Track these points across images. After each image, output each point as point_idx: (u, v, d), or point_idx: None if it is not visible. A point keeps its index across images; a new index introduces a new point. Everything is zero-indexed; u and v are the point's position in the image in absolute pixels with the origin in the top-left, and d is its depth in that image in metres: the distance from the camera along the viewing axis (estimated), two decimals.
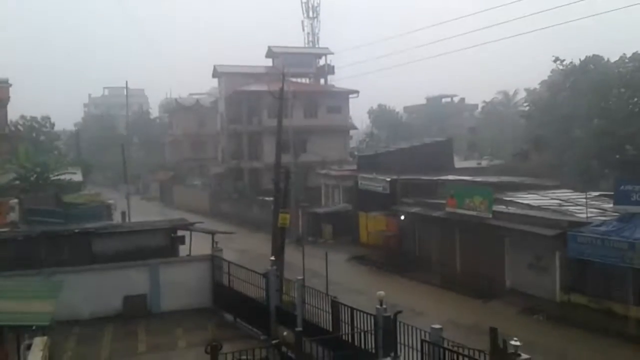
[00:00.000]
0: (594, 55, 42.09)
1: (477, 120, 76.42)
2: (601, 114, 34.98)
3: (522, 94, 66.78)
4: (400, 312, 12.62)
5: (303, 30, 63.64)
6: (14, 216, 34.57)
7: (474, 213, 25.63)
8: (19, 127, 57.12)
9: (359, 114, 73.27)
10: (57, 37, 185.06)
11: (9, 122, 51.06)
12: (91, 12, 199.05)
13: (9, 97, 47.99)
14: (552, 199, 27.90)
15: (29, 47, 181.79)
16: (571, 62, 42.74)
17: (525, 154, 43.20)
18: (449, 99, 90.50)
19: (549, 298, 22.30)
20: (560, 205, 26.16)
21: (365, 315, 13.42)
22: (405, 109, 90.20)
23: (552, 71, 46.07)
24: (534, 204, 26.25)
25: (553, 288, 22.30)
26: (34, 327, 13.63)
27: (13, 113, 54.15)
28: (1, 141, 46.68)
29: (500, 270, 24.70)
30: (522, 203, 26.77)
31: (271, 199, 28.32)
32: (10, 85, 48.35)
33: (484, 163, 45.84)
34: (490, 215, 24.87)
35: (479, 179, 33.77)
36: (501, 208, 25.65)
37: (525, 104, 58.48)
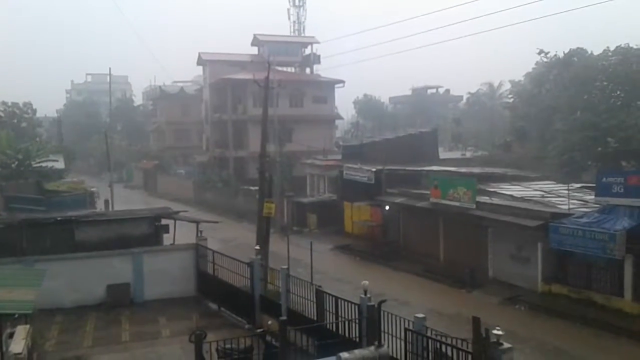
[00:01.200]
0: (577, 48, 42.43)
1: (462, 111, 76.82)
2: (584, 107, 35.31)
3: (507, 86, 67.25)
4: (384, 301, 12.69)
5: (289, 18, 63.45)
6: None
7: (458, 204, 25.83)
8: (0, 113, 56.19)
9: (344, 104, 73.32)
10: (40, 23, 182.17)
11: None
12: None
13: None
14: (535, 190, 28.20)
15: (9, 33, 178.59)
16: (555, 55, 43.06)
17: (508, 145, 43.59)
18: (434, 90, 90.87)
19: (531, 288, 22.59)
20: (542, 196, 26.44)
21: (349, 304, 13.49)
22: (391, 99, 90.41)
23: (537, 63, 46.34)
24: (517, 195, 26.50)
25: (535, 278, 22.58)
26: (16, 315, 13.54)
27: None
28: None
29: (483, 260, 24.95)
30: (505, 194, 27.01)
31: (256, 188, 28.27)
32: None
33: (468, 154, 46.20)
34: (474, 206, 25.08)
35: (463, 169, 34.01)
36: (485, 199, 25.88)
37: (509, 96, 58.88)
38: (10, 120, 55.16)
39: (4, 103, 59.88)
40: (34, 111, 62.96)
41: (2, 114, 55.39)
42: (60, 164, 44.25)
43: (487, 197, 26.29)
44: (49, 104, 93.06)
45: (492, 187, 28.58)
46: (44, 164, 40.50)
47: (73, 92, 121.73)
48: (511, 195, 26.59)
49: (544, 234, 21.48)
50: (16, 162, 39.16)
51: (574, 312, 20.16)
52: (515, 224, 22.66)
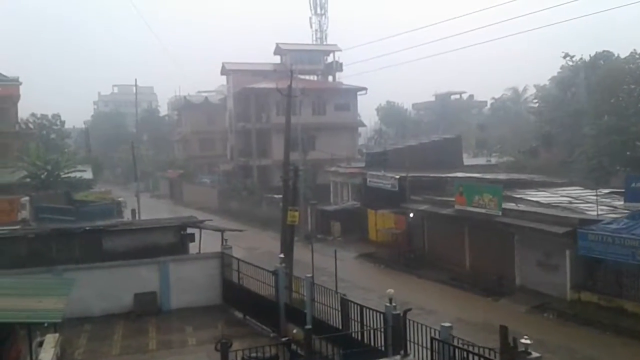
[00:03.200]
0: (604, 51, 41.84)
1: (486, 117, 76.13)
2: (611, 111, 34.74)
3: (532, 91, 66.48)
4: (409, 309, 12.61)
5: (311, 27, 63.80)
6: (25, 214, 34.96)
7: (484, 210, 25.55)
8: (30, 125, 57.50)
9: (367, 111, 73.28)
10: (67, 35, 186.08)
11: (19, 120, 51.51)
12: (101, 11, 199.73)
13: (19, 95, 48.46)
14: (562, 196, 27.76)
15: (39, 46, 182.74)
16: (581, 58, 42.50)
17: (535, 150, 43.04)
18: (457, 96, 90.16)
19: (559, 296, 22.19)
20: (570, 202, 26.02)
21: (374, 313, 13.42)
22: (414, 105, 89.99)
23: (562, 67, 45.75)
24: (543, 202, 26.13)
25: (563, 286, 22.18)
26: (45, 324, 13.76)
27: (23, 111, 54.63)
28: (12, 139, 47.12)
29: (510, 268, 24.60)
30: (532, 200, 26.65)
31: (280, 196, 28.36)
32: (21, 83, 48.81)
33: (493, 160, 45.72)
34: (500, 213, 24.78)
35: (488, 176, 33.67)
36: (511, 205, 25.55)
37: (534, 101, 58.13)
38: (40, 132, 56.43)
39: (33, 115, 61.30)
40: (63, 123, 64.33)
41: (32, 126, 56.66)
42: (88, 175, 45.13)
43: (514, 204, 25.96)
44: (77, 115, 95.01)
45: (519, 194, 28.22)
46: (72, 175, 41.34)
47: (100, 103, 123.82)
48: (538, 202, 26.22)
49: (572, 241, 21.11)
50: (45, 173, 40.02)
51: (604, 320, 19.74)
52: (542, 230, 22.32)
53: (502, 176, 33.97)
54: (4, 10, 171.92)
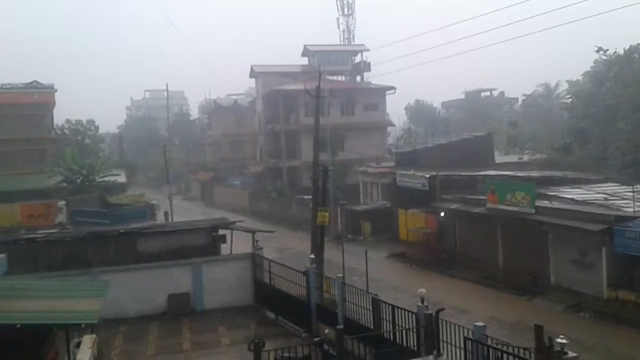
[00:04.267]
0: (638, 44, 40.77)
1: (518, 114, 74.92)
2: None
3: (564, 86, 65.19)
4: (442, 309, 12.51)
5: (338, 27, 63.71)
6: (62, 217, 35.80)
7: (516, 209, 25.17)
8: (65, 130, 58.72)
9: (396, 110, 72.93)
10: (101, 43, 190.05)
11: (55, 126, 52.71)
12: (133, 18, 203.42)
13: (54, 101, 49.59)
14: (598, 193, 27.16)
15: (73, 53, 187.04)
16: (615, 52, 41.53)
17: (568, 147, 42.17)
18: (488, 93, 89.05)
19: (596, 295, 21.73)
20: (606, 199, 25.44)
21: (406, 312, 13.34)
22: (443, 104, 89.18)
23: (595, 62, 44.79)
24: (578, 199, 25.62)
25: (600, 284, 21.71)
26: (82, 325, 14.05)
27: (59, 117, 55.88)
28: (48, 145, 48.27)
29: (544, 266, 24.20)
30: (566, 198, 26.15)
31: (310, 197, 28.45)
32: (56, 90, 49.91)
33: (526, 157, 44.95)
34: (533, 211, 24.38)
35: (520, 173, 33.14)
36: (544, 203, 25.12)
37: (567, 96, 57.06)
38: (75, 138, 57.60)
39: (68, 121, 62.63)
40: (97, 128, 65.60)
41: (67, 132, 57.89)
42: (122, 178, 45.96)
43: (547, 202, 25.51)
44: (110, 120, 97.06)
45: (552, 191, 27.71)
46: (107, 179, 42.15)
47: (133, 108, 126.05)
48: (572, 199, 25.71)
49: (609, 238, 20.66)
50: (81, 178, 40.90)
51: None
52: (577, 228, 21.90)
53: (535, 174, 33.38)
54: (40, 19, 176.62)
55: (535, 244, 24.74)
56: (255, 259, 21.63)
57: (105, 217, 31.83)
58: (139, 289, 20.35)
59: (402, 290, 23.56)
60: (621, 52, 40.83)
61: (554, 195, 26.70)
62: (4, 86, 47.75)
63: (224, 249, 23.89)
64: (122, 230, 22.96)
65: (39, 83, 49.51)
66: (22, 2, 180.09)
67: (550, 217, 23.65)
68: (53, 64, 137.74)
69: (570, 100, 52.40)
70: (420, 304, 12.79)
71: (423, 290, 12.93)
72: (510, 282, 24.66)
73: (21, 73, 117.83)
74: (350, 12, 63.80)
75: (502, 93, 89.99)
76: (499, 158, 43.93)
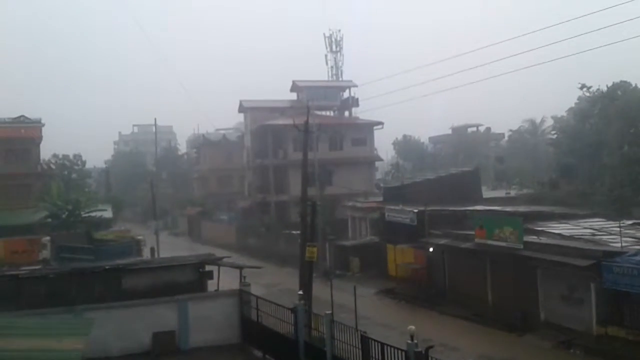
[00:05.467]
0: (621, 81, 41.67)
1: (504, 149, 75.79)
2: (631, 141, 34.43)
3: (549, 122, 66.18)
4: (432, 347, 12.39)
5: (327, 64, 64.34)
6: (46, 253, 35.30)
7: (504, 244, 25.19)
8: (52, 165, 58.53)
9: (384, 145, 73.36)
10: (88, 77, 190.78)
11: (41, 160, 52.44)
12: (121, 52, 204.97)
13: (41, 136, 49.46)
14: (585, 228, 27.29)
15: (60, 87, 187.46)
16: (598, 89, 42.35)
17: (554, 182, 42.57)
18: (474, 129, 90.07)
19: (585, 331, 21.60)
20: (593, 234, 25.55)
21: (396, 350, 13.18)
22: (431, 139, 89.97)
23: (579, 98, 45.62)
24: (566, 234, 25.71)
25: (589, 320, 21.61)
26: None
27: (45, 152, 55.66)
28: (34, 180, 47.91)
29: (533, 302, 24.09)
30: (553, 233, 26.23)
31: (298, 232, 28.31)
32: (43, 125, 49.87)
33: (513, 192, 45.25)
34: (521, 246, 24.39)
35: (508, 208, 33.28)
36: (532, 238, 25.16)
37: (553, 132, 57.92)
38: (61, 172, 57.36)
39: (55, 156, 62.44)
40: (84, 163, 65.41)
41: (54, 167, 57.63)
42: (108, 214, 45.58)
43: (535, 237, 25.56)
44: (98, 155, 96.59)
45: (540, 226, 27.80)
46: (93, 214, 41.81)
47: (121, 142, 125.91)
48: (560, 234, 25.80)
49: (597, 274, 20.64)
50: (66, 213, 40.55)
51: (633, 356, 19.11)
52: (565, 263, 21.89)
53: (522, 208, 33.54)
54: (27, 54, 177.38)
55: (524, 280, 24.68)
56: (242, 296, 21.38)
57: (91, 253, 31.47)
58: (124, 326, 19.98)
59: (392, 328, 23.28)
60: (604, 89, 41.66)
61: (542, 230, 26.79)
62: None
63: (211, 285, 23.60)
64: (107, 267, 22.66)
65: (26, 118, 49.47)
66: (9, 36, 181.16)
67: (538, 253, 23.65)
68: (40, 97, 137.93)
69: (555, 135, 53.15)
70: (410, 341, 12.64)
71: (413, 327, 12.80)
72: (500, 319, 24.49)
73: (7, 107, 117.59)
74: (338, 49, 64.68)
75: (488, 129, 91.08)
76: (487, 193, 44.18)
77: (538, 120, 71.78)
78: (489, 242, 26.07)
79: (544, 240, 25.07)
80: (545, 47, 29.44)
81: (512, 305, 24.50)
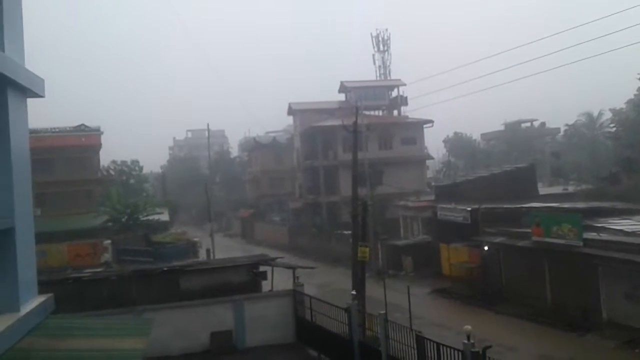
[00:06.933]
0: None
1: (560, 144, 73.54)
2: None
3: (607, 115, 63.78)
4: (489, 347, 12.16)
5: (374, 63, 64.14)
6: (107, 256, 36.65)
7: (563, 241, 24.45)
8: (111, 171, 60.54)
9: (434, 143, 72.39)
10: (143, 86, 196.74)
11: (101, 167, 54.40)
12: (174, 61, 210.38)
13: (100, 144, 51.32)
14: None
15: (118, 97, 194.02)
16: None
17: (615, 177, 40.98)
18: (528, 124, 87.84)
19: None
20: None
21: (452, 350, 13.02)
22: (483, 136, 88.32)
23: (639, 89, 43.78)
24: (628, 230, 24.71)
25: None
26: None
27: (105, 158, 57.67)
28: (95, 185, 49.76)
29: (595, 301, 23.30)
30: (615, 229, 25.26)
31: (349, 232, 28.32)
32: (102, 132, 51.71)
33: (571, 188, 43.83)
34: (581, 244, 23.64)
35: (566, 205, 32.25)
36: (592, 235, 24.33)
37: (611, 125, 55.83)
38: (120, 178, 59.27)
39: (114, 162, 64.60)
40: (141, 168, 67.45)
41: (113, 172, 59.63)
42: (165, 217, 46.87)
43: (595, 233, 24.71)
44: (154, 160, 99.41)
45: (600, 223, 26.81)
46: (150, 217, 43.05)
47: (175, 148, 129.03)
48: (622, 230, 24.82)
49: None
50: (126, 217, 41.92)
51: None
52: (629, 260, 21.08)
53: (580, 205, 32.43)
54: (87, 67, 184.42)
55: (584, 278, 23.90)
56: (296, 296, 21.55)
57: (150, 255, 32.40)
58: (182, 326, 20.49)
59: (447, 328, 22.98)
60: None
61: (602, 227, 25.84)
62: (53, 130, 49.75)
63: (265, 285, 23.91)
64: (165, 268, 23.28)
65: (85, 126, 51.38)
66: (68, 48, 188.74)
67: (599, 250, 22.85)
68: (99, 107, 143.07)
69: (614, 128, 51.23)
70: (466, 341, 12.46)
71: (469, 327, 12.61)
72: (560, 318, 23.79)
73: (69, 117, 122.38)
74: (385, 48, 64.33)
75: (543, 124, 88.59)
76: (543, 189, 42.95)
77: (595, 114, 69.32)
78: (547, 239, 25.37)
79: (605, 237, 24.18)
80: (601, 38, 28.41)
81: (572, 304, 23.77)
